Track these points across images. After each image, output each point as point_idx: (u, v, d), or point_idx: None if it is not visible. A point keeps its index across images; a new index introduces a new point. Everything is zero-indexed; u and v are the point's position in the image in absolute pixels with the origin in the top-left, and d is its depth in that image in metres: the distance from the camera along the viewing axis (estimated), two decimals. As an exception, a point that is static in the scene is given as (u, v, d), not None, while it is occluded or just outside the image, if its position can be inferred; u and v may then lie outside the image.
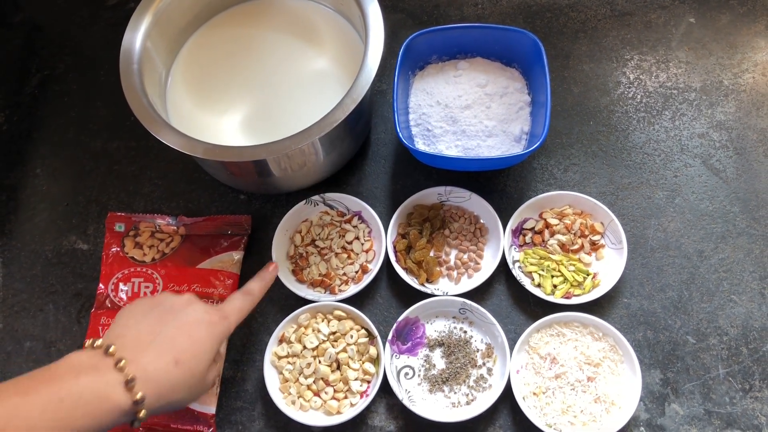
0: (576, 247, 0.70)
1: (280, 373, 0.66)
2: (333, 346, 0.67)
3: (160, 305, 0.53)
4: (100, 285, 0.71)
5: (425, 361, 0.67)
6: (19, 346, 0.71)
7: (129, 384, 0.45)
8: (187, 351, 0.50)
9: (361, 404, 0.64)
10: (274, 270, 0.63)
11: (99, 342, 0.48)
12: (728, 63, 0.80)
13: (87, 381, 0.44)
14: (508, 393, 0.64)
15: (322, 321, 0.68)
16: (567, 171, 0.75)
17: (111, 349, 0.47)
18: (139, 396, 0.45)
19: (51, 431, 0.41)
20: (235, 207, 0.76)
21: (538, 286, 0.69)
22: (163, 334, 0.49)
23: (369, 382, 0.66)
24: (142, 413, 0.46)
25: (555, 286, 0.68)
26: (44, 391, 0.43)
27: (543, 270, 0.69)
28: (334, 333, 0.67)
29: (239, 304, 0.58)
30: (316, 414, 0.65)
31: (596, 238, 0.70)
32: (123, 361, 0.46)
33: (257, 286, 0.61)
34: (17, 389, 0.43)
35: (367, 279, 0.69)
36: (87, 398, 0.43)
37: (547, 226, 0.71)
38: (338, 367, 0.66)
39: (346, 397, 0.65)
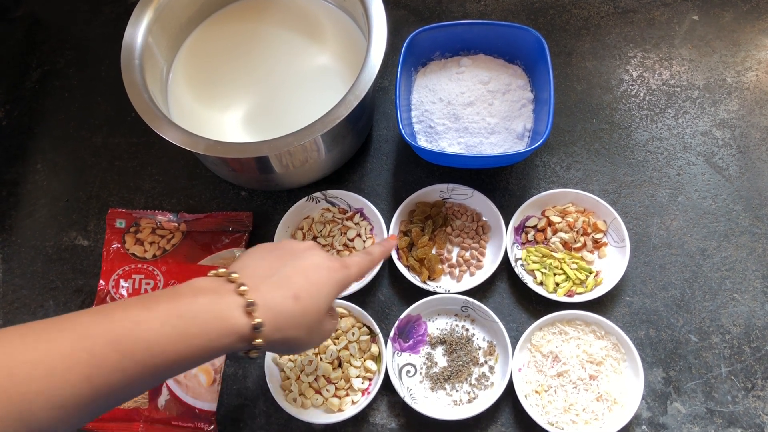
0: (578, 245, 0.70)
1: (282, 370, 0.66)
2: (334, 344, 0.66)
3: (281, 248, 0.52)
4: (101, 281, 0.71)
5: (427, 358, 0.67)
6: (20, 343, 0.71)
7: (249, 307, 0.45)
8: (306, 289, 0.49)
9: (363, 402, 0.64)
10: (394, 240, 0.66)
11: (222, 270, 0.48)
12: (732, 61, 0.80)
13: (205, 301, 0.44)
14: (510, 391, 0.64)
15: (324, 318, 0.68)
16: (570, 169, 0.75)
17: (233, 276, 0.47)
18: (257, 321, 0.44)
19: (168, 345, 0.42)
20: (236, 203, 0.76)
21: (541, 284, 0.68)
22: (282, 272, 0.49)
23: (370, 379, 0.66)
24: (259, 340, 0.45)
25: (557, 284, 0.68)
26: (164, 306, 0.43)
27: (545, 268, 0.69)
28: (335, 330, 0.67)
29: (359, 259, 0.56)
30: (317, 412, 0.65)
31: (599, 236, 0.70)
32: (244, 287, 0.46)
33: (378, 249, 0.59)
34: (142, 304, 0.43)
35: (368, 276, 0.69)
36: (204, 317, 0.43)
37: (550, 223, 0.71)
38: (340, 365, 0.66)
39: (347, 395, 0.65)
